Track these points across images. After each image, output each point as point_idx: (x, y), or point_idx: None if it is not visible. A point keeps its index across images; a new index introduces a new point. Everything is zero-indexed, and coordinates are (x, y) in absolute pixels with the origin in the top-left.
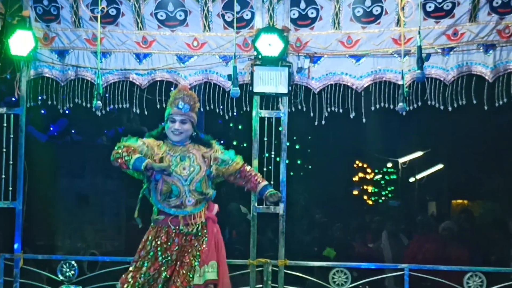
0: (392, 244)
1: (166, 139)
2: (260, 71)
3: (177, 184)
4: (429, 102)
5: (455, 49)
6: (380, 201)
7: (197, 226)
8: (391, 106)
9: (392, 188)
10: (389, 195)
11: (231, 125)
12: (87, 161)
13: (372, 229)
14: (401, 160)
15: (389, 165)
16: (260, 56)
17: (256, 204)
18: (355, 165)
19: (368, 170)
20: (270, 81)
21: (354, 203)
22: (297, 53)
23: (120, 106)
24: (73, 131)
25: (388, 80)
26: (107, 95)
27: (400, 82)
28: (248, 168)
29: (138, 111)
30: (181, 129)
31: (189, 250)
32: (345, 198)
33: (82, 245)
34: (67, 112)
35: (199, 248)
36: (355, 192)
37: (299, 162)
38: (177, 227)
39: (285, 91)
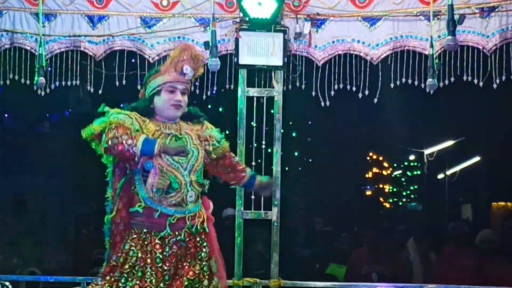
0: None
1: (152, 116)
2: (247, 37)
3: (176, 175)
4: (464, 77)
5: (497, 9)
6: (401, 203)
7: (197, 229)
8: (416, 83)
9: (416, 187)
10: (412, 196)
11: (210, 106)
12: (24, 154)
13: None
14: (427, 152)
15: (412, 157)
16: (247, 19)
17: (242, 209)
18: (368, 158)
19: (385, 164)
20: (260, 51)
21: (367, 207)
22: (295, 15)
23: (68, 83)
24: (6, 115)
25: (412, 49)
26: (50, 69)
27: (427, 52)
28: (232, 154)
29: (91, 89)
30: (183, 101)
31: (190, 261)
32: (355, 200)
33: (18, 262)
34: None
35: (203, 260)
36: (368, 193)
37: (296, 154)
38: (179, 232)
39: (280, 63)
